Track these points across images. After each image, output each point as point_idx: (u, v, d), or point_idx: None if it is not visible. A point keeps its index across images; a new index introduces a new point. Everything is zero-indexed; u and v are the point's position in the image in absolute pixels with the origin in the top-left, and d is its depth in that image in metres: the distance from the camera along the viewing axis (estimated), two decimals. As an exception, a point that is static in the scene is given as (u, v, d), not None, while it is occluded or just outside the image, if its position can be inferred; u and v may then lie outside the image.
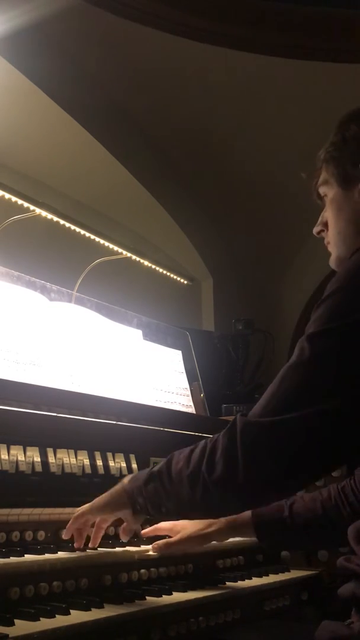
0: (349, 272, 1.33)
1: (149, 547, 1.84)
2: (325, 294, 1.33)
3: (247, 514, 1.86)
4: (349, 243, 1.53)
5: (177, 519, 1.83)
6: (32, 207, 2.59)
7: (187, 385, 2.66)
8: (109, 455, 2.02)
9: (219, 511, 1.63)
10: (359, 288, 1.30)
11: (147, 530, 1.87)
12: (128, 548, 1.83)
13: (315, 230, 1.63)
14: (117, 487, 1.65)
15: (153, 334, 2.65)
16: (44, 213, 2.63)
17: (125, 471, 2.04)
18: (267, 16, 3.78)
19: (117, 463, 2.03)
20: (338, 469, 1.96)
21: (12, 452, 1.72)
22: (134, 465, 2.08)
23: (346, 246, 1.54)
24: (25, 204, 2.57)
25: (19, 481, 1.72)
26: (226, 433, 1.35)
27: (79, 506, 1.84)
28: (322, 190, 1.60)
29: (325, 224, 1.61)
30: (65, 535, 1.74)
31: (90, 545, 1.73)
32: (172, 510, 1.54)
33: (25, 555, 1.56)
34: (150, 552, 1.82)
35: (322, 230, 1.62)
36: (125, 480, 1.63)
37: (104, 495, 1.69)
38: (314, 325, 1.33)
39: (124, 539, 1.79)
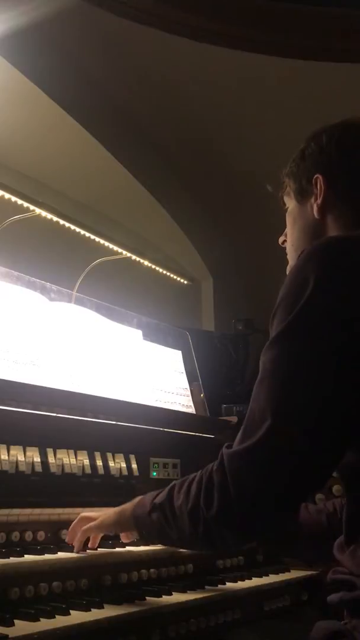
0: (290, 283, 1.35)
1: (149, 547, 1.84)
2: (275, 307, 1.36)
3: None
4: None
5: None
6: (32, 207, 2.58)
7: (187, 385, 2.66)
8: (109, 455, 2.02)
9: (220, 546, 1.64)
10: (297, 296, 1.31)
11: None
12: (128, 548, 1.83)
13: (280, 240, 1.71)
14: (126, 509, 1.64)
15: (153, 334, 2.65)
16: (44, 213, 2.63)
17: (125, 471, 2.04)
18: (267, 16, 3.78)
19: (117, 463, 2.03)
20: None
21: (12, 452, 1.72)
22: (134, 465, 2.08)
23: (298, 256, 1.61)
24: (25, 204, 2.57)
25: (19, 481, 1.72)
26: (218, 468, 1.34)
27: (79, 506, 1.84)
28: (285, 200, 1.69)
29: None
30: (68, 540, 1.74)
31: (89, 546, 1.73)
32: (177, 542, 1.55)
33: (25, 556, 1.56)
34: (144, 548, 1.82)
35: (285, 241, 1.69)
36: (133, 503, 1.62)
37: (111, 514, 1.68)
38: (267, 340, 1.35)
39: (125, 540, 1.80)
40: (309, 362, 1.28)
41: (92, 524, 1.70)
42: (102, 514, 1.72)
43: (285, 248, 1.70)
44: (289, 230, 1.66)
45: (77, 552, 1.69)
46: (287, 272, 1.66)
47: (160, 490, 1.54)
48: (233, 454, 1.32)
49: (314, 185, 1.56)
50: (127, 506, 1.64)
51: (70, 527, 1.75)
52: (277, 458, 1.28)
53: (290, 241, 1.65)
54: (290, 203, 1.65)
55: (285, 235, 1.69)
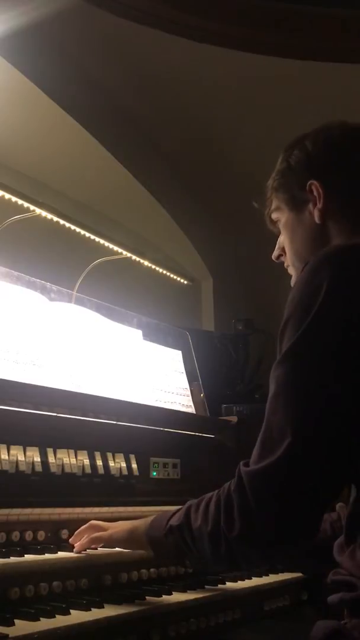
0: (300, 293, 1.33)
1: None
2: (284, 319, 1.34)
3: None
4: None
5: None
6: (32, 207, 2.58)
7: (187, 385, 2.66)
8: (109, 455, 2.01)
9: (244, 565, 1.63)
10: (309, 307, 1.29)
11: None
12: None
13: (274, 255, 1.70)
14: (138, 527, 1.63)
15: (153, 334, 2.65)
16: (44, 213, 2.62)
17: (125, 471, 2.04)
18: (267, 16, 3.78)
19: (117, 463, 2.03)
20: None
21: (12, 452, 1.71)
22: (134, 465, 2.08)
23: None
24: (25, 204, 2.57)
25: (19, 481, 1.72)
26: (236, 488, 1.32)
27: (79, 506, 1.84)
28: (274, 216, 1.67)
29: (283, 249, 1.67)
30: (71, 541, 1.73)
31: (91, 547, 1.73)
32: (196, 563, 1.56)
33: (25, 555, 1.56)
34: None
35: (280, 255, 1.68)
36: (146, 523, 1.60)
37: (122, 530, 1.67)
38: (279, 354, 1.33)
39: None
40: (325, 375, 1.27)
41: (102, 535, 1.69)
42: (113, 525, 1.71)
43: (280, 263, 1.69)
44: (288, 242, 1.64)
45: (77, 553, 1.69)
46: (293, 285, 1.66)
47: (174, 512, 1.53)
48: (253, 473, 1.30)
49: (309, 191, 1.55)
50: (140, 525, 1.63)
51: (78, 530, 1.74)
52: (299, 475, 1.26)
53: (293, 252, 1.63)
54: (283, 215, 1.64)
55: (281, 250, 1.67)
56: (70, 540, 1.74)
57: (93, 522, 1.75)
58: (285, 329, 1.34)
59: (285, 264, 1.69)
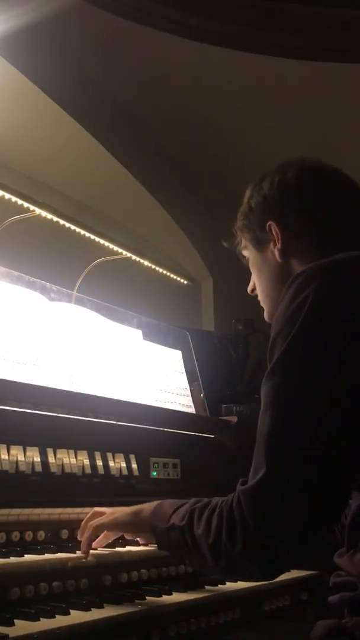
0: (285, 310, 1.35)
1: (149, 547, 1.83)
2: (271, 337, 1.35)
3: None
4: (274, 299, 1.60)
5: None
6: (32, 207, 2.58)
7: (187, 385, 2.66)
8: (109, 455, 2.01)
9: (246, 577, 1.61)
10: (295, 318, 1.30)
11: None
12: (128, 548, 1.83)
13: (249, 288, 1.75)
14: (143, 511, 1.61)
15: (153, 334, 2.65)
16: (44, 213, 2.62)
17: (125, 471, 2.04)
18: (267, 16, 3.78)
19: (117, 463, 2.03)
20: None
21: (12, 452, 1.71)
22: (134, 466, 2.08)
23: (272, 302, 1.63)
24: (25, 204, 2.57)
25: (19, 481, 1.72)
26: (237, 506, 1.31)
27: (79, 506, 1.84)
28: (245, 254, 1.73)
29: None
30: (78, 536, 1.73)
31: (93, 546, 1.72)
32: (195, 566, 1.55)
33: (25, 555, 1.56)
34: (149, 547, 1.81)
35: (254, 289, 1.74)
36: (150, 509, 1.59)
37: (125, 513, 1.65)
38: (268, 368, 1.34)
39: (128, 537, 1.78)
40: (313, 386, 1.27)
41: (103, 520, 1.67)
42: (114, 510, 1.69)
43: (256, 296, 1.71)
44: (256, 280, 1.70)
45: (83, 552, 1.65)
46: (266, 318, 1.68)
47: (179, 505, 1.51)
48: (246, 492, 1.30)
49: (269, 232, 1.59)
50: (145, 509, 1.61)
51: (82, 522, 1.73)
52: (287, 493, 1.26)
53: (261, 289, 1.68)
54: (250, 254, 1.69)
55: (254, 284, 1.72)
56: (77, 536, 1.73)
57: (95, 509, 1.73)
58: (274, 346, 1.34)
59: (259, 298, 1.73)
